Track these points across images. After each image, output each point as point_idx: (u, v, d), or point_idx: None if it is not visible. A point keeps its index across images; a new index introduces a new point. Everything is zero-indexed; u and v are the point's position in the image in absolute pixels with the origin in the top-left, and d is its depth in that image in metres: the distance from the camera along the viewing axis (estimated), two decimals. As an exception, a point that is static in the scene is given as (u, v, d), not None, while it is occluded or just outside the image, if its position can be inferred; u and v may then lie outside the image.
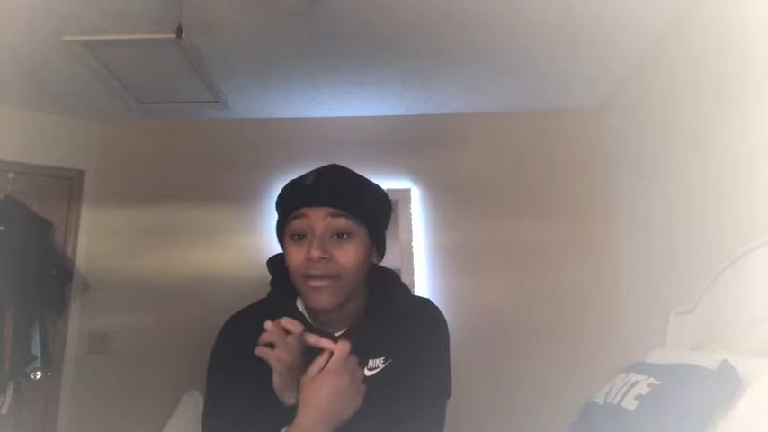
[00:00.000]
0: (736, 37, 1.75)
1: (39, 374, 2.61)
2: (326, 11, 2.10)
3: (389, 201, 1.10)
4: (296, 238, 1.00)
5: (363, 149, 3.04)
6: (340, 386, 0.90)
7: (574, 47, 2.37)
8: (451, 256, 2.91)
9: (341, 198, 1.01)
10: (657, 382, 1.39)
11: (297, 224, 1.00)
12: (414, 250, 2.92)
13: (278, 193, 1.08)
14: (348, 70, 2.60)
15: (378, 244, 1.07)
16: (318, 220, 0.98)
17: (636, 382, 1.46)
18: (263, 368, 0.96)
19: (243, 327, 1.08)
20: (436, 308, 1.15)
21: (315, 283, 0.97)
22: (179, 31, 1.96)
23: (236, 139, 3.13)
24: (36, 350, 2.61)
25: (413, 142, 3.06)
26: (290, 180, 1.08)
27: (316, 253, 0.95)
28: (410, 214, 2.96)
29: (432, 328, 1.10)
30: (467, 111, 3.04)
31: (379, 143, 3.05)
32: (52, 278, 2.73)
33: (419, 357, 1.04)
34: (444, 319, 1.13)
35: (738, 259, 1.66)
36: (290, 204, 1.03)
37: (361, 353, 1.00)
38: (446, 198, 2.99)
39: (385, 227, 1.09)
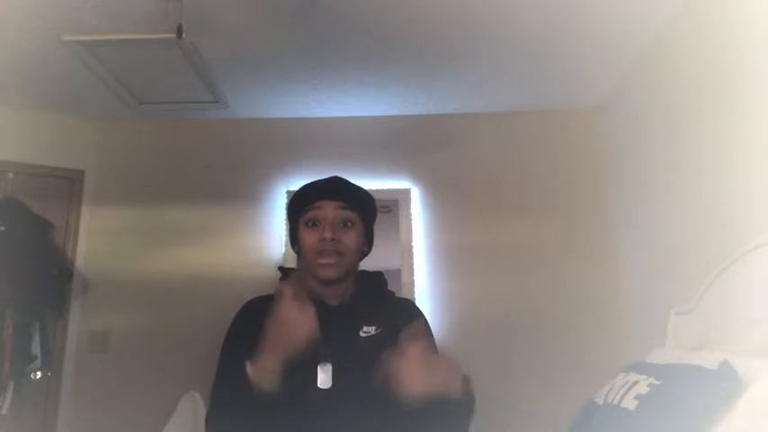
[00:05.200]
0: (737, 36, 1.75)
1: (39, 374, 2.61)
2: (327, 11, 2.10)
3: (375, 203, 1.40)
4: (310, 224, 1.28)
5: (363, 149, 3.04)
6: (286, 317, 1.07)
7: (574, 47, 2.37)
8: (451, 256, 2.91)
9: (348, 196, 1.32)
10: (657, 382, 1.39)
11: (313, 214, 1.28)
12: (414, 250, 2.92)
13: (295, 193, 1.36)
14: (348, 70, 2.60)
15: (368, 236, 1.36)
16: (330, 210, 1.28)
17: (636, 382, 1.46)
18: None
19: (260, 311, 1.24)
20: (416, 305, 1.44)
21: (325, 260, 1.24)
22: (179, 31, 1.96)
23: (236, 139, 3.12)
24: (36, 350, 2.60)
25: (413, 142, 3.06)
26: (303, 184, 1.36)
27: (329, 234, 1.24)
28: (410, 214, 2.96)
29: (417, 314, 1.35)
30: (467, 111, 3.04)
31: (379, 143, 3.05)
32: (52, 278, 2.73)
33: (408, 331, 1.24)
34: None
35: (738, 259, 1.66)
36: (308, 198, 1.31)
37: (356, 320, 1.26)
38: (446, 198, 2.99)
39: (373, 223, 1.39)
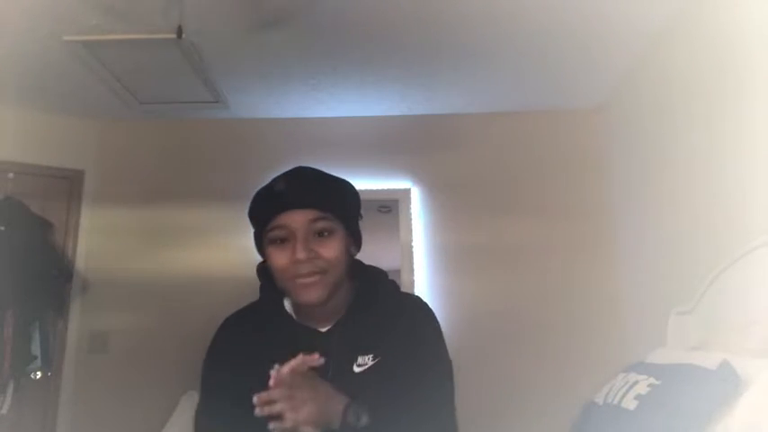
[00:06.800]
0: (734, 37, 1.75)
1: (39, 374, 2.61)
2: (327, 11, 2.10)
3: (357, 192, 1.14)
4: (278, 242, 1.03)
5: (363, 149, 3.04)
6: (307, 396, 0.89)
7: (573, 47, 2.37)
8: (451, 256, 2.91)
9: (317, 199, 1.04)
10: (657, 382, 1.39)
11: (278, 231, 1.03)
12: (414, 250, 2.91)
13: (252, 200, 1.11)
14: (348, 70, 2.60)
15: (354, 235, 1.11)
16: (299, 224, 1.01)
17: (636, 382, 1.46)
18: (255, 370, 0.95)
19: (236, 331, 1.13)
20: (425, 303, 1.16)
21: (303, 280, 1.01)
22: (179, 31, 1.96)
23: (236, 139, 3.12)
24: (36, 350, 2.60)
25: (413, 142, 3.06)
26: (259, 188, 1.11)
27: (302, 255, 0.99)
28: (410, 214, 2.95)
29: (422, 322, 1.11)
30: (467, 111, 3.04)
31: (379, 143, 3.05)
32: (52, 278, 2.73)
33: (410, 355, 1.04)
34: (433, 313, 1.15)
35: (738, 259, 1.66)
36: (266, 213, 1.05)
37: (350, 349, 1.03)
38: (446, 198, 2.99)
39: (358, 218, 1.13)
